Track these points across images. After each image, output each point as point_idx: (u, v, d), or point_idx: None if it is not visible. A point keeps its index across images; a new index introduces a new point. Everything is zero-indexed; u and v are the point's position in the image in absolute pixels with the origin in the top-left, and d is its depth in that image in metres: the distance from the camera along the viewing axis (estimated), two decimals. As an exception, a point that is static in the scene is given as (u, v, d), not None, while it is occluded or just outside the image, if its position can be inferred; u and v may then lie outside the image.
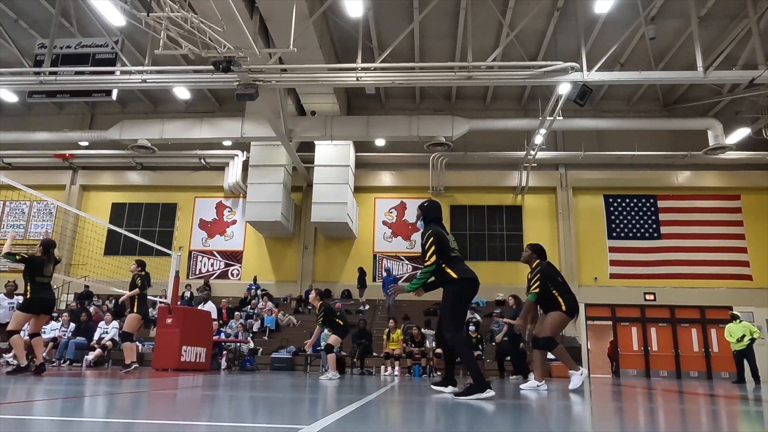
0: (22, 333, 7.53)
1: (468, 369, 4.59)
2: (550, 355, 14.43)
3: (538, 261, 6.34)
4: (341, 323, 9.02)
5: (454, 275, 4.68)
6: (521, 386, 6.54)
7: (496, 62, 13.10)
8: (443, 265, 4.72)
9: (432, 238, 4.76)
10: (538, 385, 6.17)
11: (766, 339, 16.09)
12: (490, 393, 4.36)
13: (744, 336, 12.45)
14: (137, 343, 10.63)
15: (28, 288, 7.20)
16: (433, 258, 4.70)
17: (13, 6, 14.74)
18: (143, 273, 9.02)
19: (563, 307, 6.12)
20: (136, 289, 8.78)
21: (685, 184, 18.67)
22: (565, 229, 18.47)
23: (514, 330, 11.11)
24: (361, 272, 17.89)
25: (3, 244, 7.23)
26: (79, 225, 19.08)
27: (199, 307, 12.96)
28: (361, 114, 18.15)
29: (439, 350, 12.78)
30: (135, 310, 8.80)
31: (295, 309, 17.09)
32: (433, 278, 4.86)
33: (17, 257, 7.13)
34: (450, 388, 5.02)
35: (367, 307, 17.03)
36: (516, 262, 18.55)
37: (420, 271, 4.78)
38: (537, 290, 6.15)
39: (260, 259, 19.12)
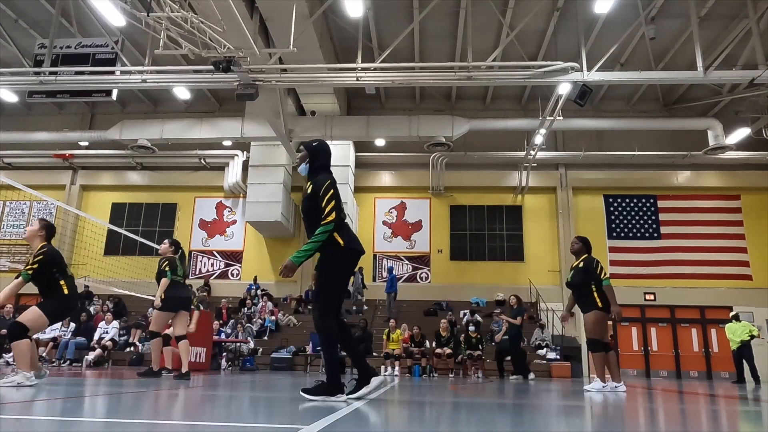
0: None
1: (325, 362, 3.88)
2: (552, 355, 14.32)
3: (586, 254, 6.82)
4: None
5: (341, 241, 3.87)
6: (586, 387, 6.58)
7: (496, 62, 13.07)
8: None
9: (332, 191, 3.85)
10: (616, 386, 6.25)
11: (766, 339, 16.09)
12: (340, 398, 3.66)
13: (744, 333, 12.55)
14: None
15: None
16: (333, 215, 3.79)
17: (13, 6, 14.72)
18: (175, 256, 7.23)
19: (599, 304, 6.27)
20: (164, 279, 7.00)
21: (685, 184, 18.66)
22: (565, 229, 18.45)
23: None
24: (360, 273, 17.83)
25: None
26: (79, 225, 19.06)
27: None
28: (361, 114, 18.12)
29: (439, 350, 12.80)
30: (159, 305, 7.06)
31: (295, 309, 17.09)
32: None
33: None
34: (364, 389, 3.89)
35: (365, 307, 17.00)
36: (516, 262, 18.61)
37: (316, 233, 3.82)
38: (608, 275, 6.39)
39: (260, 259, 19.09)
